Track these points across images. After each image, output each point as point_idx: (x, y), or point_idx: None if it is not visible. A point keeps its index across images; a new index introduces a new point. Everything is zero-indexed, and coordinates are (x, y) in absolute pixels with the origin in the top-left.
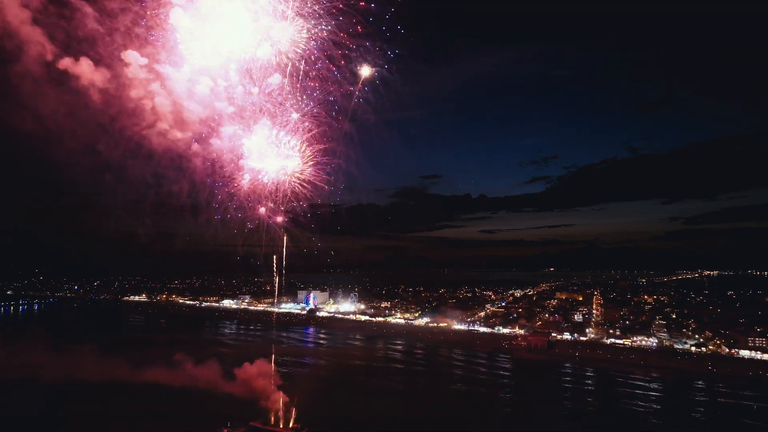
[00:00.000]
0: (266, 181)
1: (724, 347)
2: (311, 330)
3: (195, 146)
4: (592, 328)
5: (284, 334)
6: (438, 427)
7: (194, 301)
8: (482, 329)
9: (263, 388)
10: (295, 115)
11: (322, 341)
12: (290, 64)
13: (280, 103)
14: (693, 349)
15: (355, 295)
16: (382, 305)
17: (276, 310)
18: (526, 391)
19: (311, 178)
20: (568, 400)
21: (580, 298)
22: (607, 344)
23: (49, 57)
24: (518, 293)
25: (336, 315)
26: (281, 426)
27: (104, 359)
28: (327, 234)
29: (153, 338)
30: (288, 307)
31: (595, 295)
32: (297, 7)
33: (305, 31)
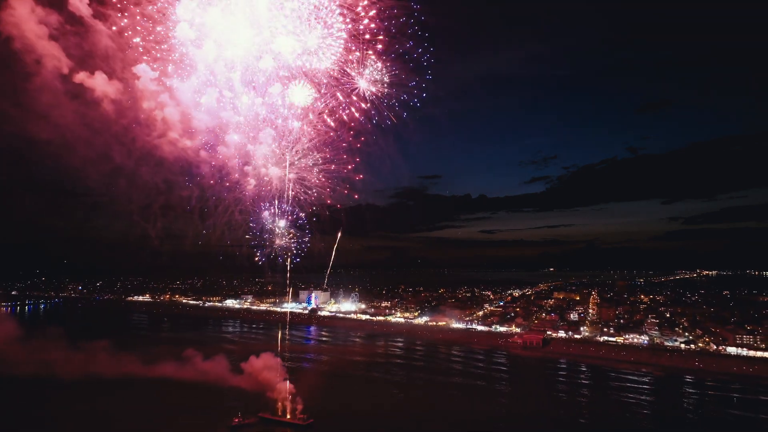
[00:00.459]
0: (270, 185)
1: (712, 344)
2: (313, 329)
3: (203, 153)
4: (587, 326)
5: (287, 332)
6: (437, 415)
7: (197, 301)
8: (480, 328)
9: (270, 381)
10: (297, 124)
11: (324, 339)
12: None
13: (284, 117)
14: (682, 346)
15: (355, 294)
16: (383, 305)
17: (278, 309)
18: (521, 383)
19: (313, 183)
20: (561, 392)
21: (577, 298)
22: (600, 342)
23: (65, 70)
24: (516, 293)
25: (337, 314)
26: (288, 416)
27: (117, 356)
28: (328, 235)
29: (160, 336)
30: (290, 306)
31: (593, 294)
32: (293, 25)
33: (300, 46)
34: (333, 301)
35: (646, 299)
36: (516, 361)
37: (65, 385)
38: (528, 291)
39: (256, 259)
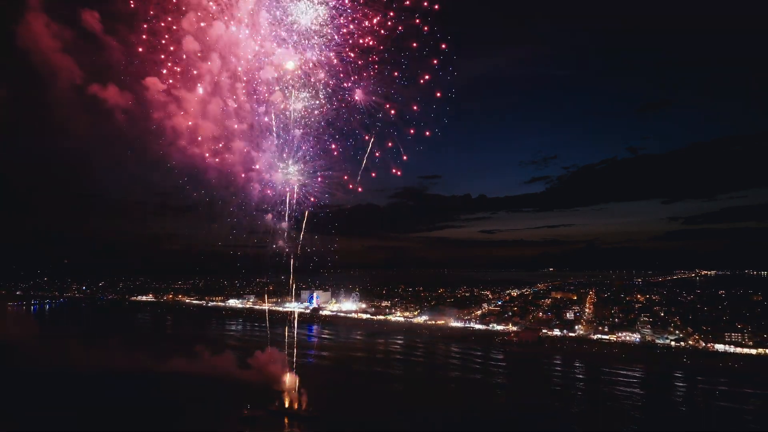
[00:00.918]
0: (274, 189)
1: (701, 342)
2: (315, 327)
3: (209, 160)
4: (582, 325)
5: (290, 331)
6: (436, 405)
7: (201, 300)
8: (477, 326)
9: (276, 376)
10: (298, 131)
11: (326, 336)
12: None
13: (285, 124)
14: (673, 343)
15: (356, 294)
16: (383, 304)
17: (281, 308)
18: (518, 377)
19: (314, 187)
20: (556, 384)
21: (575, 297)
22: (593, 339)
23: (78, 82)
24: (515, 293)
25: (338, 314)
26: (295, 408)
27: (129, 351)
28: (328, 235)
29: (167, 334)
30: (292, 306)
31: (590, 294)
32: (293, 38)
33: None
34: (334, 300)
35: (642, 299)
36: (512, 358)
37: (83, 377)
38: (526, 291)
39: (259, 260)
